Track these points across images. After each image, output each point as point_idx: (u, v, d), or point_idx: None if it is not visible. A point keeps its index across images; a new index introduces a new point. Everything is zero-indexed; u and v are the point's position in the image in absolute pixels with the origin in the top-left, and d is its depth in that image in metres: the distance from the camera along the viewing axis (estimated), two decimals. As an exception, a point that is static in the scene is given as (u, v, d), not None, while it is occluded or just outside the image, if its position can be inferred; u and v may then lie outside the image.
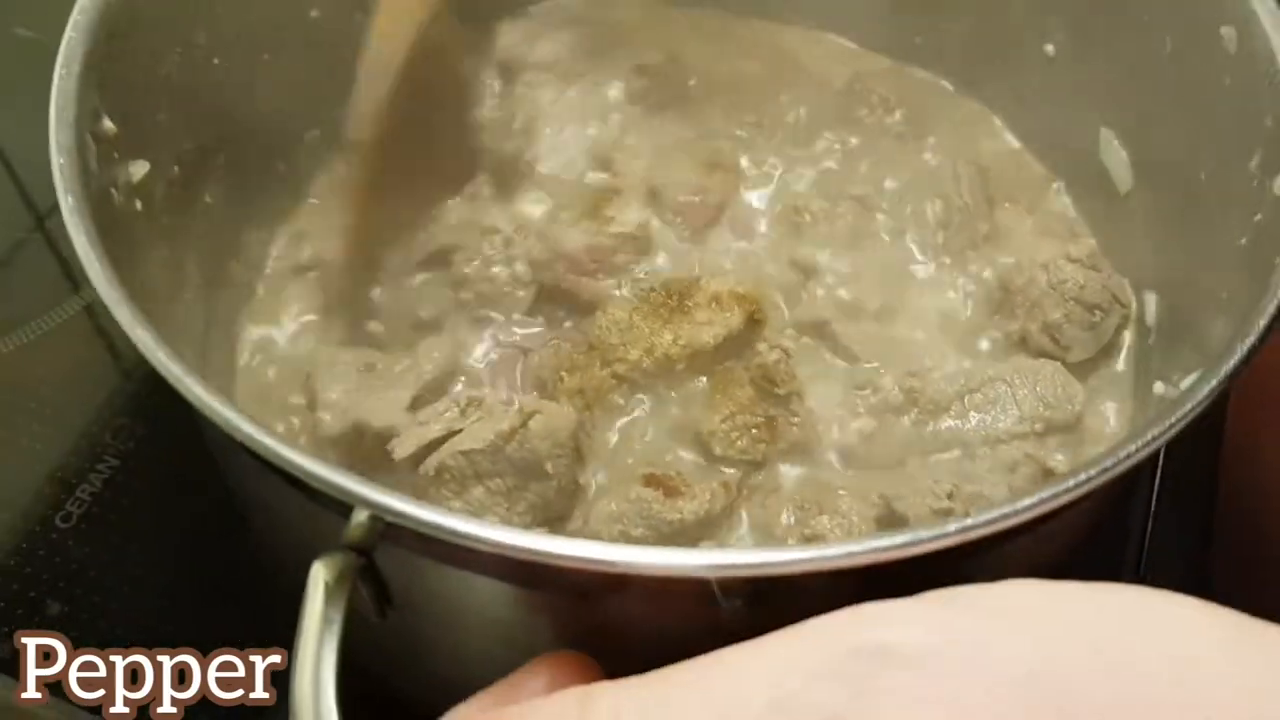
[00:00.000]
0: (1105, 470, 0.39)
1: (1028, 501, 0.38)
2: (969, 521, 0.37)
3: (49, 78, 0.84)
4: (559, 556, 0.37)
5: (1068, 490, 0.39)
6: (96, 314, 0.74)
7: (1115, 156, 0.62)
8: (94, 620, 0.62)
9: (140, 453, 0.68)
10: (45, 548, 0.65)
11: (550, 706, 0.34)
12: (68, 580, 0.64)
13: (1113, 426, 0.59)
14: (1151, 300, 0.60)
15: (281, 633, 0.60)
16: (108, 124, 0.48)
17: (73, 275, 0.76)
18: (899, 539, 0.37)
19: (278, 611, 0.61)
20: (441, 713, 0.39)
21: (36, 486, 0.67)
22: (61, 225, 0.74)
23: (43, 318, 0.74)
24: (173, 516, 0.67)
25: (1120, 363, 0.61)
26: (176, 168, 0.53)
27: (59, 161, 0.44)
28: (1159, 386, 0.55)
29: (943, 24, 0.69)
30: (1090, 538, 0.52)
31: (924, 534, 0.37)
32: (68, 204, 0.43)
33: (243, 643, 0.60)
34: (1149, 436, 0.40)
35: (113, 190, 0.48)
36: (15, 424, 0.70)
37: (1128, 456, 0.40)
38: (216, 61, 0.58)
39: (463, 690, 0.50)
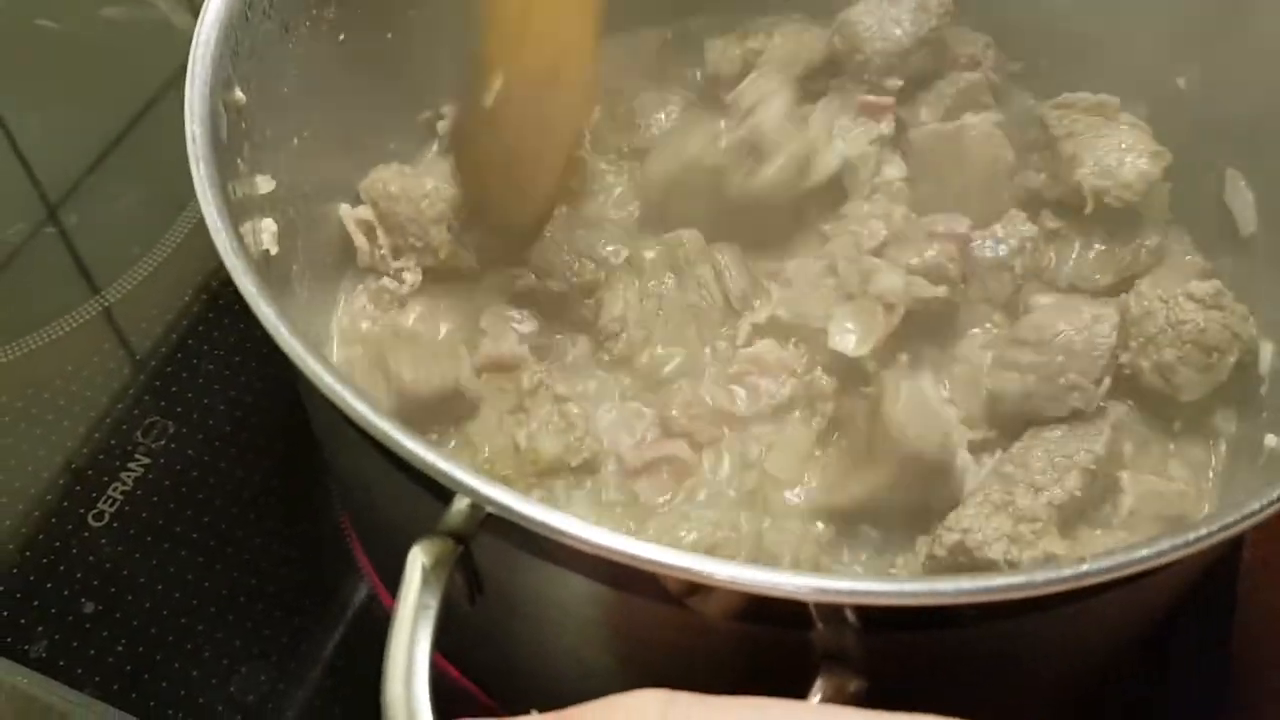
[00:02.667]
0: (1227, 527, 0.38)
1: (1144, 552, 0.38)
2: (1084, 568, 0.37)
3: (67, 68, 0.85)
4: (661, 565, 0.37)
5: (1185, 545, 0.38)
6: (115, 316, 0.74)
7: (1240, 197, 0.61)
8: (129, 619, 0.63)
9: (173, 450, 0.68)
10: (79, 546, 0.65)
11: (630, 701, 0.34)
12: (102, 579, 0.64)
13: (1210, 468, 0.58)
14: (1267, 350, 0.58)
15: (318, 637, 0.62)
16: (238, 93, 0.49)
17: (90, 275, 0.77)
18: (1012, 580, 0.37)
19: (315, 614, 0.63)
20: (512, 701, 0.39)
21: (66, 485, 0.67)
22: (77, 222, 0.78)
23: (62, 319, 0.74)
24: (208, 514, 0.67)
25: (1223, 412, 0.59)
26: (296, 140, 0.54)
27: (193, 129, 0.44)
28: (1271, 440, 0.53)
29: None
30: (1188, 596, 0.51)
31: (1038, 577, 0.36)
32: (199, 172, 0.43)
33: (278, 646, 0.61)
34: (1275, 496, 0.39)
35: (239, 161, 0.48)
36: (45, 422, 0.70)
37: (1251, 515, 0.39)
38: (342, 38, 0.58)
39: (541, 683, 0.50)
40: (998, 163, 0.63)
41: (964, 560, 0.52)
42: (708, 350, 0.62)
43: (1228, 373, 0.57)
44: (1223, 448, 0.59)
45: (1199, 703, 0.61)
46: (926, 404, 0.55)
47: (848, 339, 0.58)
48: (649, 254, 0.62)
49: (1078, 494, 0.53)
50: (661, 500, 0.57)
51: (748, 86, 0.65)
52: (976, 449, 0.58)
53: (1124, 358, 0.58)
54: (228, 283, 0.74)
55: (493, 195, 0.62)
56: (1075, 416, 0.56)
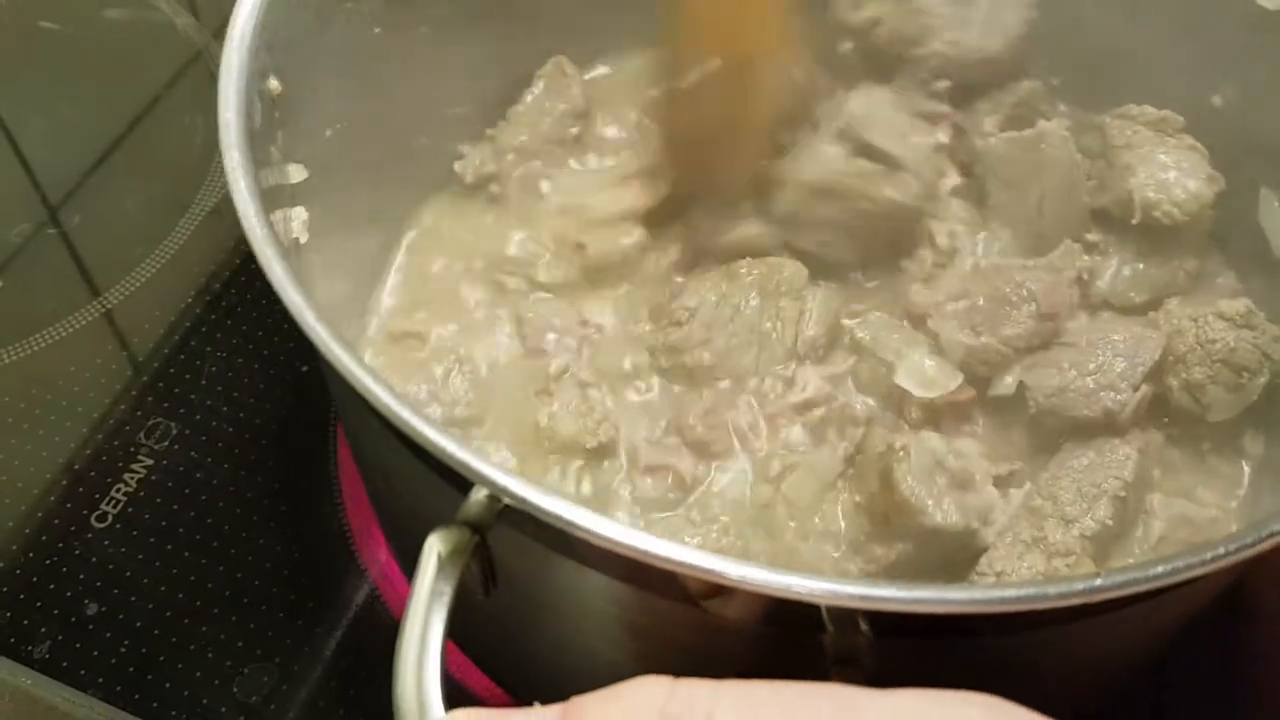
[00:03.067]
0: (1245, 546, 0.40)
1: (1159, 569, 0.39)
2: (1097, 583, 0.38)
3: (70, 70, 0.88)
4: (676, 562, 0.38)
5: (1201, 563, 0.40)
6: (116, 318, 0.76)
7: (1274, 217, 0.62)
8: (132, 620, 0.64)
9: (175, 451, 0.70)
10: (82, 547, 0.67)
11: (632, 688, 0.36)
12: (105, 580, 0.66)
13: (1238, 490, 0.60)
14: (1300, 368, 0.59)
15: (320, 638, 0.64)
16: (274, 83, 0.51)
17: (91, 277, 0.79)
18: (1024, 592, 0.38)
19: (318, 615, 0.65)
20: (523, 692, 0.40)
21: (69, 486, 0.69)
22: (77, 224, 0.80)
23: (63, 321, 0.76)
24: (211, 515, 0.69)
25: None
26: (330, 131, 0.56)
27: (226, 117, 0.46)
28: (1302, 457, 0.55)
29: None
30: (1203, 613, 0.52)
31: (1051, 589, 0.38)
32: (232, 159, 0.45)
33: (281, 647, 0.64)
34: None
35: (272, 149, 0.50)
36: (48, 423, 0.72)
37: (1272, 535, 0.40)
38: (377, 30, 0.60)
39: (552, 676, 0.51)
40: (1075, 169, 0.64)
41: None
42: (754, 380, 0.62)
43: (1258, 393, 0.58)
44: (1249, 469, 0.60)
45: (1204, 714, 0.62)
46: (937, 469, 0.55)
47: (921, 382, 0.60)
48: (746, 270, 0.64)
49: (1109, 523, 0.55)
50: (672, 497, 0.59)
51: (855, 100, 0.66)
52: (1003, 484, 0.59)
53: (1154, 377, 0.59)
54: (230, 284, 0.78)
55: (695, 167, 0.66)
56: (1104, 431, 0.57)
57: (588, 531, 0.39)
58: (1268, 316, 0.59)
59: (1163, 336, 0.59)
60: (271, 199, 0.47)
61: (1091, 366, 0.58)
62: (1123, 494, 0.55)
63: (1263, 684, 0.61)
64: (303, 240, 0.53)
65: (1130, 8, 0.67)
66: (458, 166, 0.70)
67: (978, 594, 0.39)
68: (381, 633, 0.65)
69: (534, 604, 0.47)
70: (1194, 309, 0.59)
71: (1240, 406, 0.59)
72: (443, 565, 0.40)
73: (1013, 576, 0.53)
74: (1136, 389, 0.58)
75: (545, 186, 0.70)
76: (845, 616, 0.40)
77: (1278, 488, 0.56)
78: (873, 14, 0.70)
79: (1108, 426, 0.58)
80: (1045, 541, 0.54)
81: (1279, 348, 0.58)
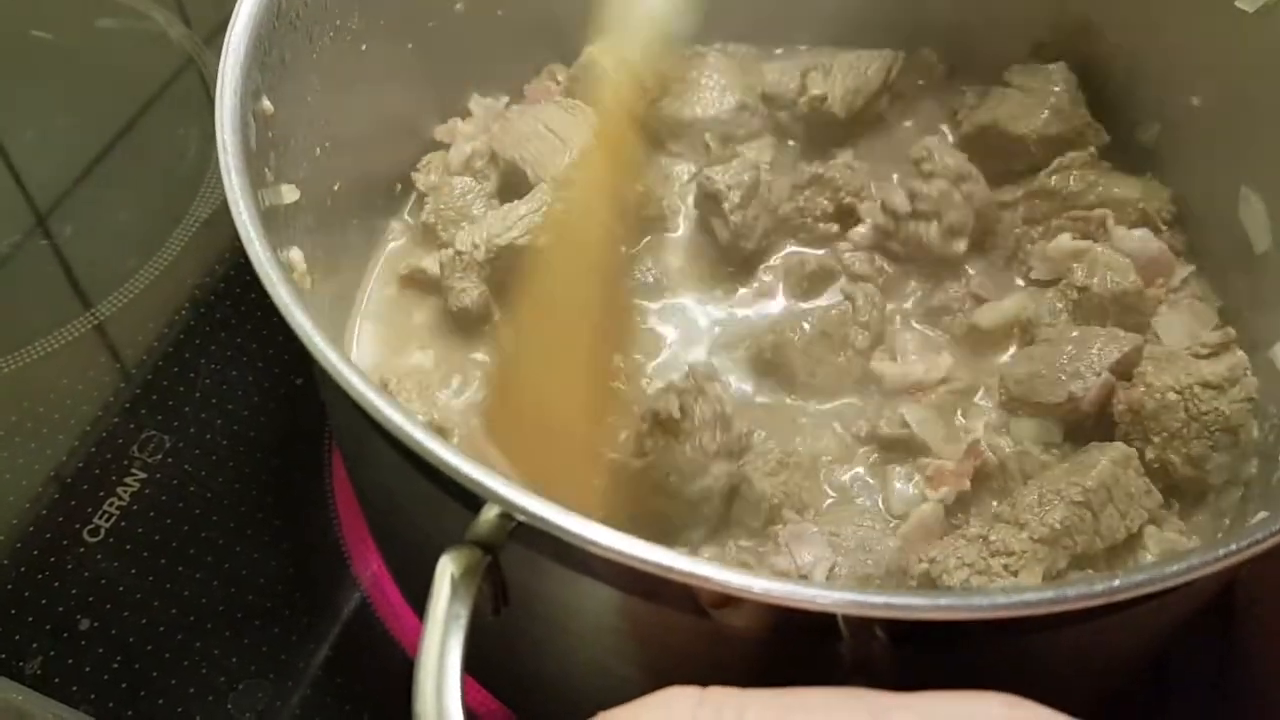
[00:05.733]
0: (1256, 543, 0.40)
1: (1175, 567, 0.39)
2: (1115, 583, 0.37)
3: (60, 78, 0.86)
4: (695, 576, 0.37)
5: (1214, 560, 0.39)
6: (108, 330, 0.75)
7: (1254, 215, 0.61)
8: (125, 636, 0.63)
9: (169, 465, 0.69)
10: (74, 562, 0.65)
11: (661, 699, 0.35)
12: (98, 595, 0.64)
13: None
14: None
15: (315, 653, 0.63)
16: (266, 103, 0.49)
17: (83, 289, 0.77)
18: (1044, 595, 0.37)
19: (312, 629, 0.63)
20: (529, 711, 0.39)
21: (61, 500, 0.67)
22: (67, 234, 0.79)
23: (55, 334, 0.74)
24: (204, 529, 0.67)
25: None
26: (318, 150, 0.55)
27: (224, 138, 0.45)
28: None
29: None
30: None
31: (1070, 591, 0.37)
32: (232, 182, 0.44)
33: (275, 662, 0.62)
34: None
35: (266, 170, 0.49)
36: (40, 436, 0.70)
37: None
38: (364, 48, 0.59)
39: (561, 693, 0.50)
40: None
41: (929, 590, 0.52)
42: None
43: (1252, 442, 0.57)
44: (1239, 493, 0.58)
45: (1200, 710, 0.62)
46: None
47: None
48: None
49: (1058, 526, 0.53)
50: None
51: None
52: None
53: (1150, 454, 0.57)
54: (224, 296, 0.76)
55: None
56: (1074, 418, 0.58)
57: (605, 548, 0.38)
58: (1249, 312, 0.59)
59: (1140, 339, 0.59)
60: (268, 220, 0.46)
61: (1060, 357, 0.60)
62: (1080, 499, 0.54)
63: (1256, 679, 0.62)
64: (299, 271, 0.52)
65: (1109, 12, 0.66)
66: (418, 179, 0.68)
67: (1000, 599, 0.38)
68: (377, 647, 0.64)
69: (543, 621, 0.46)
70: (1174, 376, 0.57)
71: (1241, 459, 0.57)
72: (456, 587, 0.38)
73: (941, 564, 0.52)
74: (1099, 375, 0.58)
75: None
76: (862, 625, 0.39)
77: (1267, 485, 0.56)
78: None
79: (1072, 412, 0.58)
80: (988, 539, 0.53)
81: (1254, 382, 0.56)
